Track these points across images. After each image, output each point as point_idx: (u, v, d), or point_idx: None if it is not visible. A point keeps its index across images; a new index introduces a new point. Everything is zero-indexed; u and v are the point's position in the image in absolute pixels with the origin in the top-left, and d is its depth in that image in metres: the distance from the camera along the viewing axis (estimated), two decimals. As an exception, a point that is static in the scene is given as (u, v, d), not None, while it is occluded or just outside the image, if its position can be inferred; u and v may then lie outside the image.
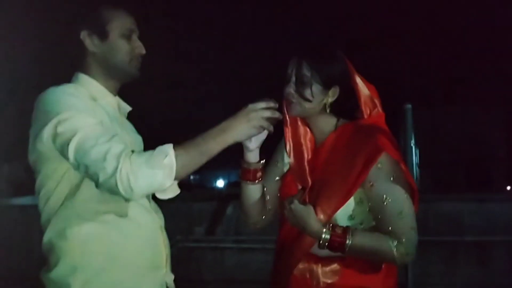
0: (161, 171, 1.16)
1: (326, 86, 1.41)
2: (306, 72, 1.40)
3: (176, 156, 1.18)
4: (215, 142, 1.22)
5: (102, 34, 1.38)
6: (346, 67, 1.45)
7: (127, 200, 1.26)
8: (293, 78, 1.41)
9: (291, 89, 1.41)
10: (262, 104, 1.26)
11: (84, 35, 1.38)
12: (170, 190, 1.24)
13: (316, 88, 1.40)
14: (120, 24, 1.39)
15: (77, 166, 1.22)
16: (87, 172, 1.20)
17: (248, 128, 1.24)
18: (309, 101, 1.40)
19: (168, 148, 1.19)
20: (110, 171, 1.15)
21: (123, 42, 1.39)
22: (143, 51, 1.43)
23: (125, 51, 1.39)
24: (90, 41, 1.39)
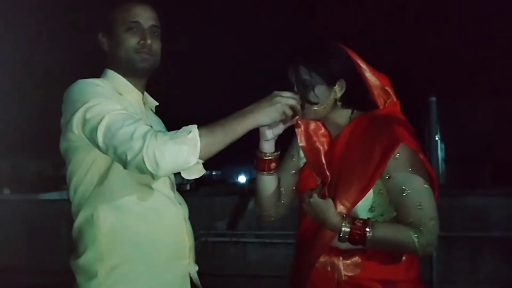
0: (185, 146, 1.18)
1: (330, 83, 1.39)
2: (305, 76, 1.38)
3: (200, 135, 1.20)
4: (238, 123, 1.24)
5: (110, 33, 1.43)
6: (347, 58, 1.40)
7: (154, 178, 1.28)
8: (295, 85, 1.39)
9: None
10: (287, 93, 1.29)
11: (100, 37, 1.46)
12: (195, 170, 1.24)
13: (320, 88, 1.38)
14: (122, 19, 1.42)
15: (106, 149, 1.25)
16: (115, 153, 1.23)
17: (271, 111, 1.26)
18: (316, 103, 1.38)
19: (192, 126, 1.22)
20: (137, 149, 1.18)
21: (126, 36, 1.42)
22: (148, 41, 1.41)
23: (128, 45, 1.41)
24: (104, 42, 1.46)
